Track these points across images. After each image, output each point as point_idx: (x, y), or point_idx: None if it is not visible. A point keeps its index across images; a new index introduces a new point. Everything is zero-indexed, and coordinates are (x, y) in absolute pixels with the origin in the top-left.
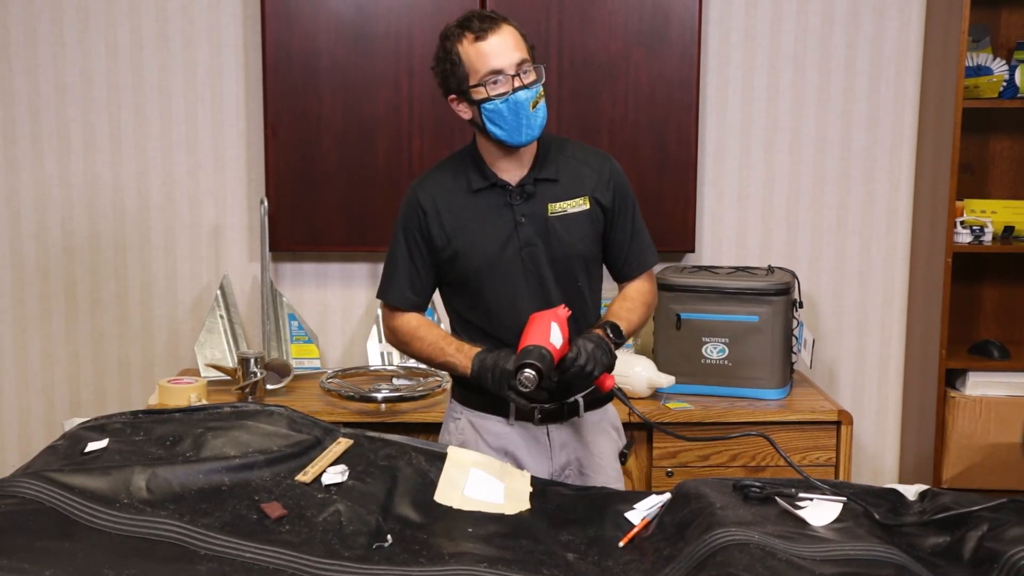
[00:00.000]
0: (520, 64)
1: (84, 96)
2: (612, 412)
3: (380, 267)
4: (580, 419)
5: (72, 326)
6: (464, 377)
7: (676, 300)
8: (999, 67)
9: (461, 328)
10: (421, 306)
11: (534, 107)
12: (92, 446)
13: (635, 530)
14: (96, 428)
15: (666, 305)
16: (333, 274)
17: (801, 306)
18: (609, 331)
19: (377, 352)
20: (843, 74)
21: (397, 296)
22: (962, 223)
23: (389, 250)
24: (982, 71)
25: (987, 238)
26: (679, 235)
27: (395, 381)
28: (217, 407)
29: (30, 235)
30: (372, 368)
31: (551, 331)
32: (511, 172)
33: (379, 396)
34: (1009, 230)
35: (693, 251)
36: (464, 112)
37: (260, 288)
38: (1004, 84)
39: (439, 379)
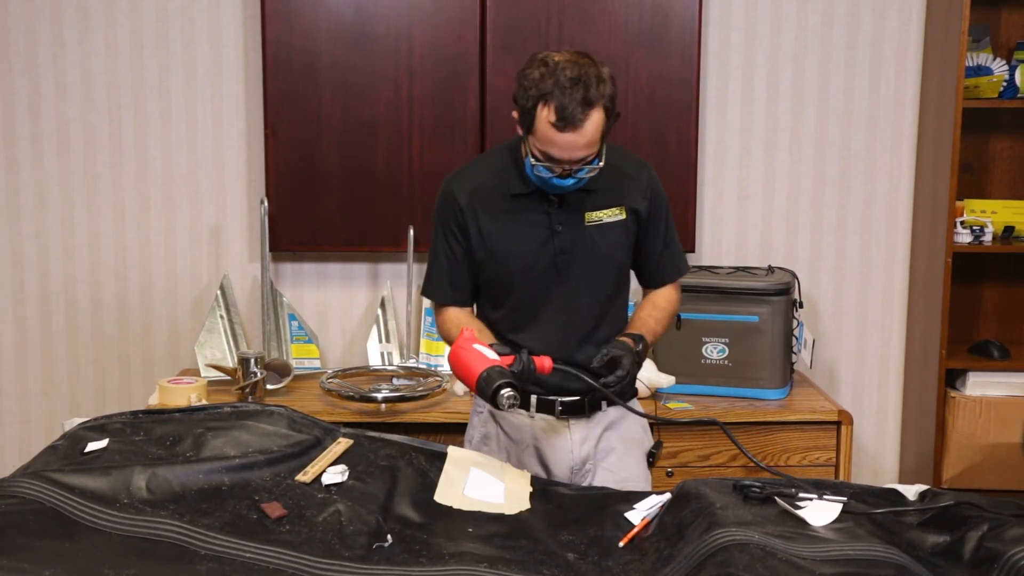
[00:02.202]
0: (578, 161)
1: (84, 96)
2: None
3: (380, 267)
4: (604, 414)
5: (72, 326)
6: None
7: None
8: (999, 67)
9: (482, 314)
10: (464, 301)
11: (575, 184)
12: (92, 446)
13: (635, 530)
14: (96, 428)
15: None
16: (333, 274)
17: (801, 306)
18: (637, 342)
19: (377, 352)
20: (843, 74)
21: (439, 292)
22: (962, 223)
23: (431, 246)
24: (982, 71)
25: (987, 238)
26: (679, 235)
27: (395, 381)
28: (217, 407)
29: (30, 235)
30: (372, 368)
31: (482, 354)
32: None
33: (379, 396)
34: (1009, 230)
35: (693, 251)
36: (518, 129)
37: (260, 288)
38: (1004, 84)
39: (439, 379)
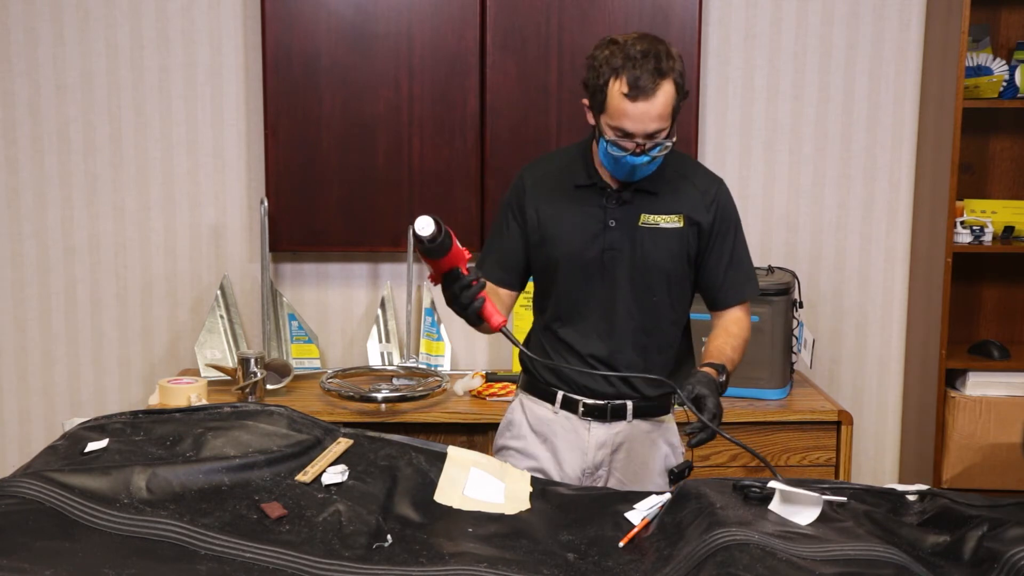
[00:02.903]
0: (652, 134)
1: (84, 96)
2: (670, 428)
3: (380, 267)
4: (629, 425)
5: (72, 326)
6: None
7: None
8: (999, 67)
9: (535, 304)
10: (510, 283)
11: (645, 166)
12: (92, 446)
13: (635, 530)
14: (96, 428)
15: None
16: (333, 274)
17: (801, 306)
18: (717, 372)
19: (377, 352)
20: (843, 74)
21: (487, 270)
22: (962, 223)
23: (492, 226)
24: (982, 71)
25: (987, 238)
26: None
27: (395, 381)
28: (217, 407)
29: (30, 235)
30: (372, 368)
31: None
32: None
33: (379, 396)
34: (1009, 230)
35: None
36: (590, 119)
37: (260, 288)
38: (1004, 84)
39: (439, 379)
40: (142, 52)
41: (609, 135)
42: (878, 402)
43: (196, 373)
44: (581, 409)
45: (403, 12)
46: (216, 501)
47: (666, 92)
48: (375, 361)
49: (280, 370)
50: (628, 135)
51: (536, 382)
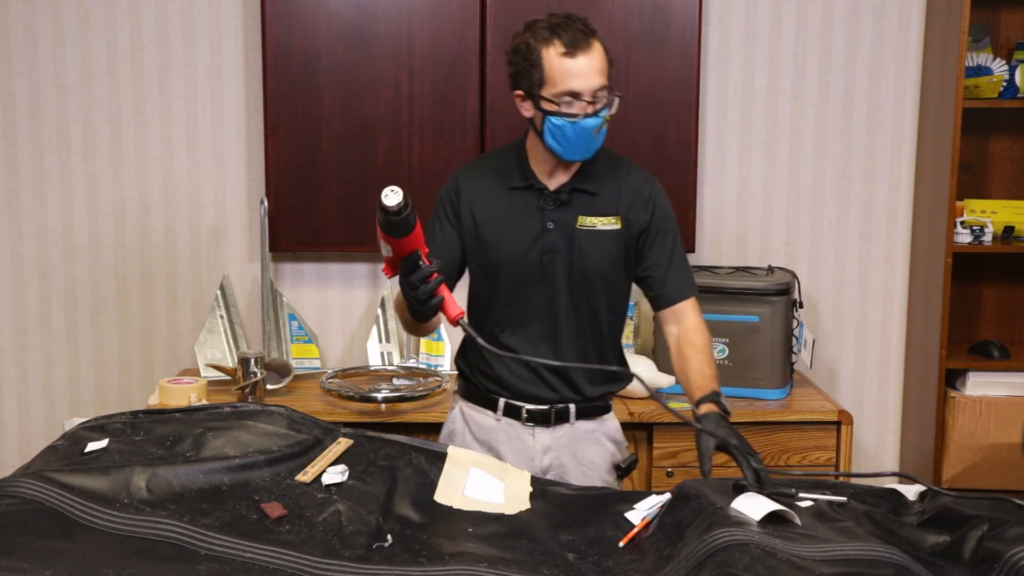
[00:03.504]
0: (598, 90)
1: (84, 96)
2: (612, 425)
3: (380, 267)
4: (572, 427)
5: (72, 326)
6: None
7: None
8: (999, 67)
9: (473, 311)
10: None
11: (597, 132)
12: (92, 446)
13: (635, 530)
14: (96, 428)
15: None
16: (333, 274)
17: (801, 306)
18: (719, 406)
19: (377, 352)
20: (843, 74)
21: None
22: (962, 223)
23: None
24: (982, 71)
25: (987, 238)
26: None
27: (395, 381)
28: (217, 407)
29: (30, 235)
30: (372, 368)
31: None
32: (553, 178)
33: (379, 396)
34: (1009, 230)
35: (693, 251)
36: (526, 111)
37: (260, 288)
38: (1004, 84)
39: (439, 379)
40: (142, 52)
41: (556, 106)
42: (878, 402)
43: (196, 373)
44: (524, 415)
45: (403, 12)
46: (216, 501)
47: (599, 49)
48: (375, 361)
49: (280, 370)
50: (576, 95)
51: (475, 389)
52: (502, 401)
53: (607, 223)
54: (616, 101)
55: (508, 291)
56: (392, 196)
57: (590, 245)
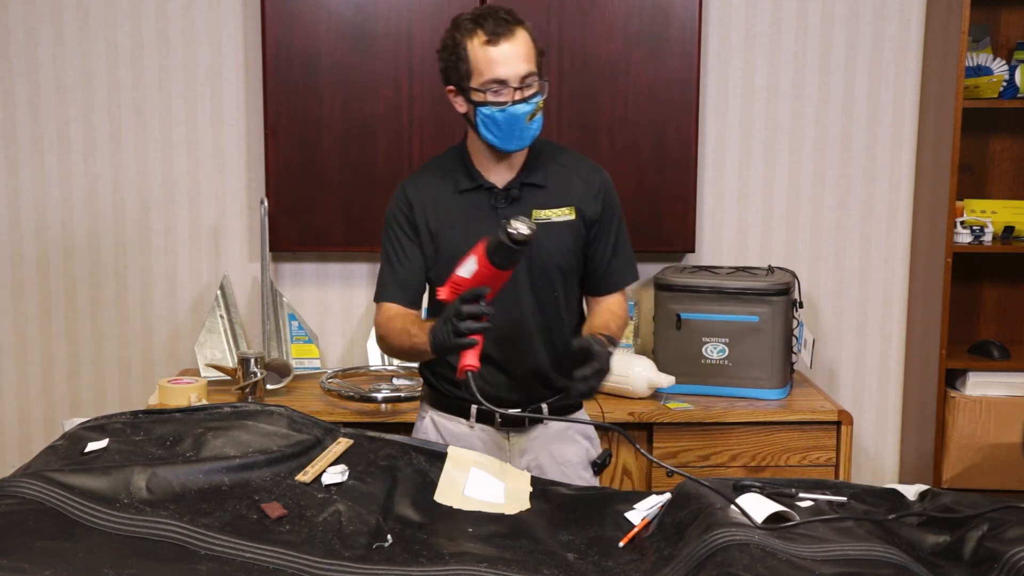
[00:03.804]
0: (525, 77)
1: (84, 96)
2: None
3: (380, 266)
4: (545, 427)
5: (72, 326)
6: (429, 355)
7: (676, 300)
8: (999, 67)
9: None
10: (410, 300)
11: (530, 119)
12: (92, 446)
13: (635, 530)
14: (96, 428)
15: (666, 305)
16: (333, 274)
17: (801, 306)
18: (610, 342)
19: (377, 352)
20: (843, 74)
21: (386, 292)
22: (962, 223)
23: (382, 252)
24: (982, 71)
25: (987, 238)
26: (679, 235)
27: (395, 381)
28: (217, 407)
29: (30, 235)
30: (372, 368)
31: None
32: (499, 175)
33: (379, 396)
34: (1009, 230)
35: (693, 251)
36: (459, 106)
37: (260, 288)
38: (1004, 84)
39: None
40: (142, 52)
41: (484, 96)
42: (878, 402)
43: (196, 373)
44: (498, 420)
45: (403, 12)
46: (216, 501)
47: (524, 36)
48: (375, 361)
49: (280, 370)
50: (502, 82)
51: (444, 397)
52: (474, 408)
53: (562, 214)
54: (547, 84)
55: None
56: (523, 227)
57: (547, 238)
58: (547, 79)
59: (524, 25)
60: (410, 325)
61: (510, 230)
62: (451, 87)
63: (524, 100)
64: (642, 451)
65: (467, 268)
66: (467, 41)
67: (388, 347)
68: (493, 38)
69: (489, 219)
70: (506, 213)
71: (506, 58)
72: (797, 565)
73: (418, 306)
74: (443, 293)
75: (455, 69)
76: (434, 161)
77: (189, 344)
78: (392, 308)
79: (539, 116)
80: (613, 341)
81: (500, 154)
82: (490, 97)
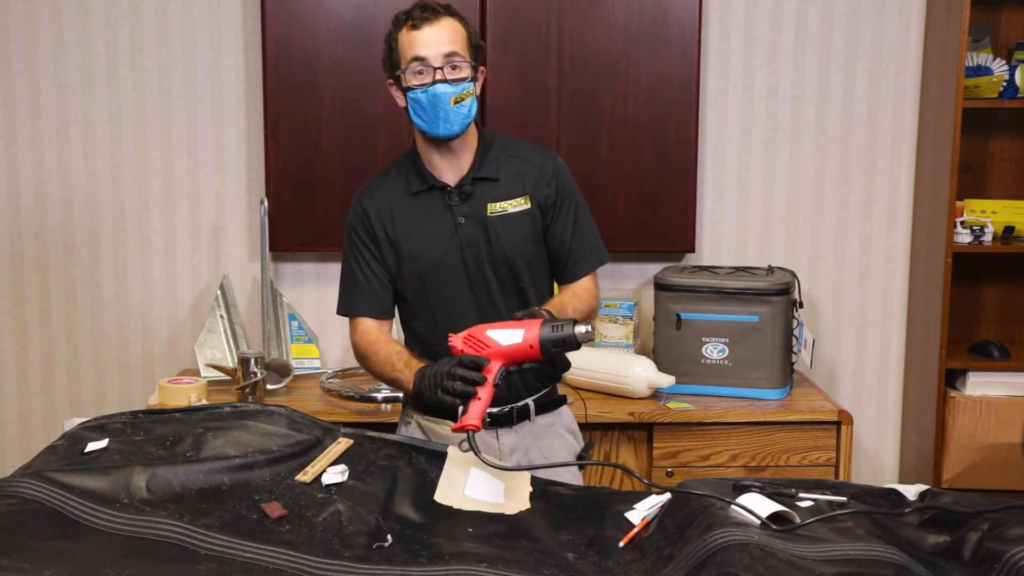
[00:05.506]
0: (447, 56)
1: (84, 96)
2: (567, 415)
3: None
4: (531, 423)
5: (72, 326)
6: (409, 391)
7: (676, 300)
8: (999, 67)
9: (410, 340)
10: (382, 311)
11: (456, 103)
12: (92, 446)
13: (635, 530)
14: (96, 428)
15: (666, 305)
16: (333, 274)
17: (801, 306)
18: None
19: None
20: (843, 74)
21: (355, 305)
22: (962, 223)
23: (342, 265)
24: (982, 71)
25: (987, 238)
26: (679, 235)
27: None
28: (217, 407)
29: (30, 235)
30: None
31: (506, 325)
32: (449, 172)
33: (379, 396)
34: (1009, 230)
35: (693, 251)
36: (399, 99)
37: (260, 288)
38: (1004, 84)
39: None
40: (142, 52)
41: (410, 79)
42: (878, 402)
43: (196, 373)
44: (486, 420)
45: None
46: (216, 501)
47: (452, 24)
48: None
49: (280, 370)
50: (422, 60)
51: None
52: (461, 408)
53: (516, 205)
54: (479, 70)
55: (438, 296)
56: (588, 333)
57: (506, 230)
58: (476, 64)
59: (456, 16)
60: (394, 358)
61: (580, 329)
62: (389, 80)
63: (446, 80)
64: (636, 475)
65: (506, 336)
66: (397, 32)
67: (368, 369)
68: (417, 23)
69: (444, 218)
70: (461, 210)
71: (426, 39)
72: (797, 565)
73: (390, 315)
74: (455, 340)
75: (388, 60)
76: (385, 170)
77: (189, 344)
78: (367, 323)
79: (470, 103)
80: (554, 316)
81: (443, 147)
82: (412, 79)
